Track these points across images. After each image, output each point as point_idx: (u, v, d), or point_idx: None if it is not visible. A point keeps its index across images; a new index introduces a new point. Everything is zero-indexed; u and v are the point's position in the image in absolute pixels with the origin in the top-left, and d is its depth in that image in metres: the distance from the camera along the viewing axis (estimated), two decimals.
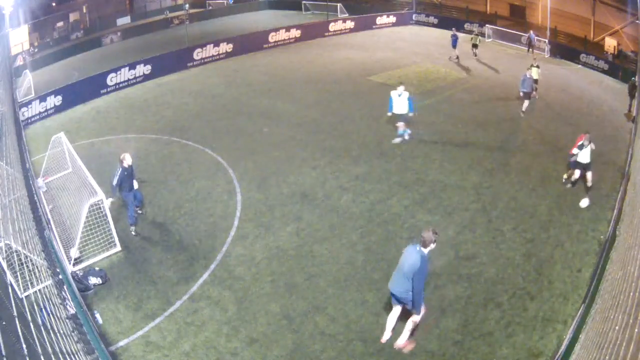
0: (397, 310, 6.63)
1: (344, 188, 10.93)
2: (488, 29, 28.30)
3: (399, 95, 12.40)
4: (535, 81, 16.57)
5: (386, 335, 6.82)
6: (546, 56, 24.68)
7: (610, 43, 25.21)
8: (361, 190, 10.79)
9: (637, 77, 16.16)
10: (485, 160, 12.21)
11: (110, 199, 9.00)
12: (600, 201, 10.22)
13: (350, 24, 30.43)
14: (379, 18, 31.89)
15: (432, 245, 6.22)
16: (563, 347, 6.06)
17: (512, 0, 31.51)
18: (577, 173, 10.47)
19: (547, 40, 25.39)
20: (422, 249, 6.22)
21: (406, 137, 13.14)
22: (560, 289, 7.64)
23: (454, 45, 22.88)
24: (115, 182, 8.95)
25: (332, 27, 29.59)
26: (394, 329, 6.75)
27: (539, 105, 16.63)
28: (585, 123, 14.87)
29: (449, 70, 20.91)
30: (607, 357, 4.00)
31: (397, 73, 20.35)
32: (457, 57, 22.72)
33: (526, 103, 15.16)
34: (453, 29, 25.01)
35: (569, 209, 9.94)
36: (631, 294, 4.41)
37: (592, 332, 5.56)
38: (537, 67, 16.99)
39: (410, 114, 12.67)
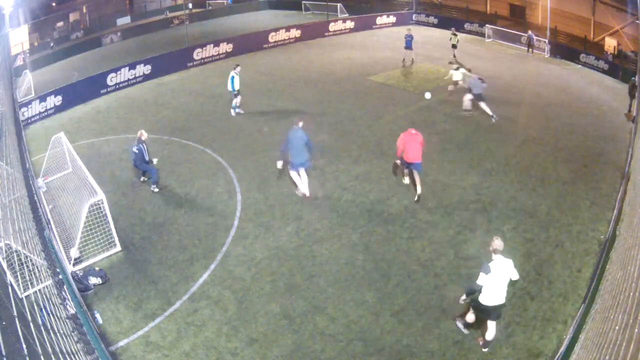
0: (296, 174, 10.22)
1: (344, 188, 10.93)
2: (488, 29, 28.29)
3: (237, 74, 15.07)
4: (455, 83, 16.47)
5: (304, 189, 10.37)
6: (546, 56, 24.68)
7: (610, 43, 25.20)
8: (361, 190, 10.79)
9: (637, 77, 16.14)
10: (485, 160, 12.21)
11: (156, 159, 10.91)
12: (600, 201, 10.22)
13: (350, 24, 30.42)
14: (379, 18, 31.87)
15: (301, 124, 9.97)
16: (563, 347, 6.07)
17: (512, 0, 31.51)
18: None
19: (547, 40, 25.38)
20: (299, 127, 9.93)
21: (239, 110, 15.81)
22: (560, 289, 7.64)
23: (409, 47, 21.53)
24: (148, 157, 10.53)
25: (332, 27, 29.57)
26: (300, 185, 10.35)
27: (538, 105, 16.64)
28: (585, 123, 14.88)
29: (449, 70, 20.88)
30: (607, 357, 4.00)
31: (397, 73, 20.35)
32: (412, 60, 21.70)
33: (483, 105, 14.67)
34: (408, 28, 23.70)
35: (569, 209, 9.94)
36: (631, 294, 4.41)
37: (592, 332, 5.56)
38: (457, 69, 16.48)
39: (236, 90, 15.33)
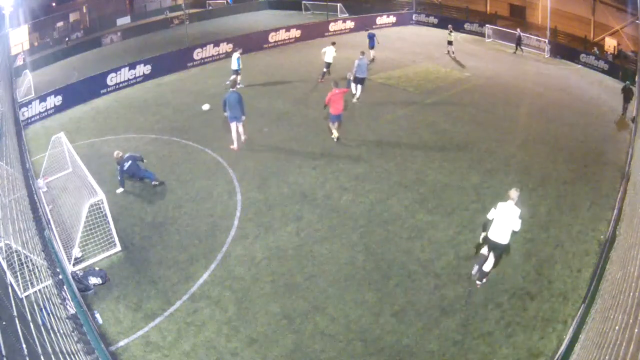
0: (234, 127, 12.75)
1: (344, 188, 10.93)
2: (488, 29, 28.31)
3: (237, 58, 18.12)
4: (328, 65, 18.79)
5: (235, 146, 12.96)
6: (546, 56, 24.69)
7: (610, 43, 25.21)
8: (361, 190, 10.79)
9: (638, 78, 16.12)
10: (485, 160, 12.21)
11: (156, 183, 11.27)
12: (600, 201, 10.22)
13: (350, 24, 30.43)
14: (379, 18, 31.88)
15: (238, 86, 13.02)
16: (563, 347, 6.07)
17: (512, 0, 31.52)
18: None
19: (547, 40, 25.39)
20: (235, 89, 12.43)
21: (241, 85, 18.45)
22: (560, 289, 7.64)
23: (372, 46, 22.21)
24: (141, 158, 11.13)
25: (332, 27, 29.58)
26: (238, 138, 12.96)
27: (538, 105, 16.65)
28: (585, 123, 14.89)
29: (450, 70, 20.91)
30: (607, 357, 4.00)
31: (397, 73, 20.34)
32: (373, 59, 22.18)
33: (359, 88, 16.22)
34: (367, 29, 24.36)
35: (569, 209, 9.94)
36: (631, 294, 4.41)
37: (592, 332, 5.56)
38: (333, 45, 18.96)
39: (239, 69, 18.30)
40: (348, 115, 15.36)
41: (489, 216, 7.23)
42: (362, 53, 16.46)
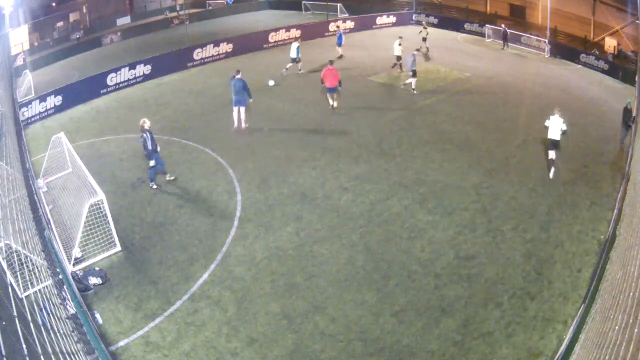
0: (236, 111, 13.76)
1: (344, 188, 10.93)
2: (488, 29, 28.30)
3: (297, 47, 19.94)
4: (398, 58, 19.99)
5: (236, 125, 13.89)
6: (546, 56, 24.68)
7: (610, 43, 25.19)
8: (361, 190, 10.79)
9: (638, 76, 15.95)
10: (485, 160, 12.21)
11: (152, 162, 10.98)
12: (600, 201, 10.23)
13: (350, 24, 30.40)
14: (379, 18, 31.85)
15: (240, 74, 13.47)
16: (563, 347, 6.07)
17: (512, 0, 31.49)
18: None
19: (547, 40, 25.37)
20: (239, 76, 13.39)
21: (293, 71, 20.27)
22: (560, 289, 7.64)
23: (339, 44, 23.12)
24: (150, 145, 10.63)
25: (332, 27, 29.54)
26: (239, 121, 13.87)
27: (538, 105, 16.63)
28: (585, 123, 14.88)
29: (450, 70, 20.90)
30: (607, 357, 4.00)
31: (397, 73, 20.33)
32: (341, 56, 22.94)
33: (414, 81, 17.68)
34: (338, 26, 25.65)
35: (569, 209, 9.94)
36: (631, 294, 4.41)
37: (592, 332, 5.56)
38: (400, 38, 20.25)
39: (298, 57, 20.06)
40: (349, 115, 15.39)
41: (546, 123, 11.06)
42: (417, 50, 18.64)
